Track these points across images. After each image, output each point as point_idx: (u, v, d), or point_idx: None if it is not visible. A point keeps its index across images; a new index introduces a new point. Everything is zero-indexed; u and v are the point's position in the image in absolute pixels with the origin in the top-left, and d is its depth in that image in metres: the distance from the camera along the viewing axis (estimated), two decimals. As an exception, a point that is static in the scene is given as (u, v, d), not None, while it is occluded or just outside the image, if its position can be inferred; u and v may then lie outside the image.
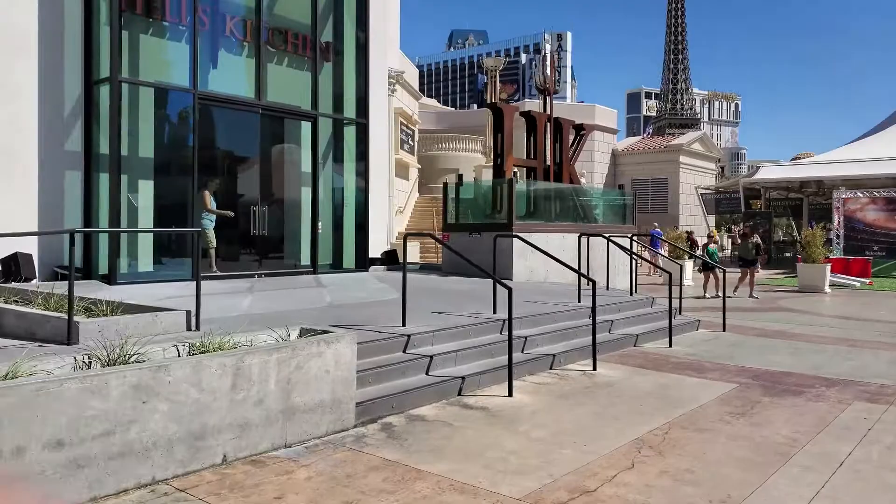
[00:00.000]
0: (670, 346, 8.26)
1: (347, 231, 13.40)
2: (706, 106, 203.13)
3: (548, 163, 15.13)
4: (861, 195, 22.39)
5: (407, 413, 5.25)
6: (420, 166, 29.90)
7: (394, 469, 4.13)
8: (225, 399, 4.24)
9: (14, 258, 9.81)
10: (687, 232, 31.21)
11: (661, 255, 16.73)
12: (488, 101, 29.30)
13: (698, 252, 23.14)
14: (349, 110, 13.36)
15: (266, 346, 4.52)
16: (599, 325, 8.24)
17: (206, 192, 11.14)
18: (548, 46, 15.04)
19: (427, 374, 5.84)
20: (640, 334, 8.46)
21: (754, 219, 25.13)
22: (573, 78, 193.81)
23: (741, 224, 24.43)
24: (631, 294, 10.28)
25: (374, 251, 14.26)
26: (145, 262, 10.87)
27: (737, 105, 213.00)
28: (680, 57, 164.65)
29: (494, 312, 7.44)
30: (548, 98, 15.18)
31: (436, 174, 30.25)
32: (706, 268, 14.98)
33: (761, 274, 22.89)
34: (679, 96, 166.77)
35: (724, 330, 9.69)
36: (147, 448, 3.84)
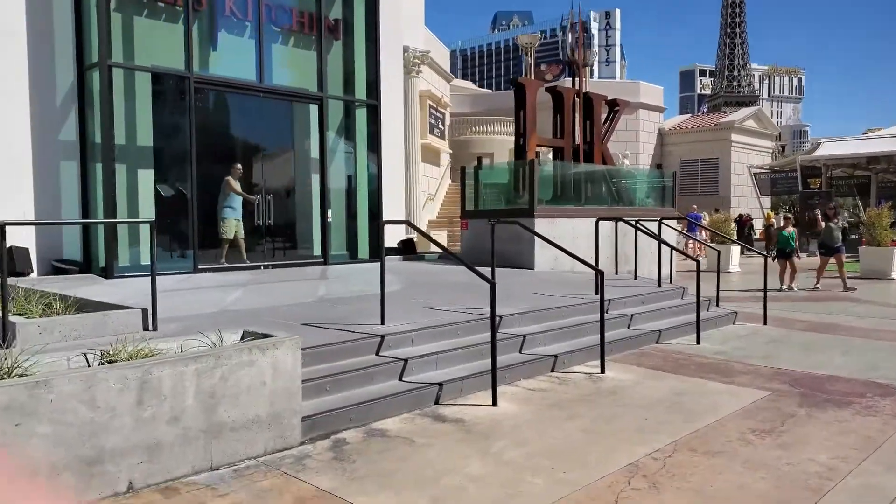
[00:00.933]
0: (698, 342, 7.29)
1: (361, 220, 12.75)
2: (766, 82, 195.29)
3: (577, 142, 14.12)
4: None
5: (368, 427, 4.52)
6: (452, 151, 29.06)
7: (322, 502, 3.41)
8: (128, 417, 3.59)
9: (9, 252, 9.49)
10: (739, 215, 29.68)
11: (697, 240, 15.55)
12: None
13: (757, 235, 21.78)
14: (360, 92, 12.65)
15: (180, 356, 3.85)
16: (618, 320, 7.37)
17: (230, 179, 10.71)
18: (575, 15, 13.95)
19: (400, 379, 5.11)
20: (664, 330, 7.52)
21: (813, 199, 23.39)
22: (623, 57, 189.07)
23: (823, 205, 22.62)
24: (659, 284, 9.29)
25: (391, 240, 13.57)
26: (146, 254, 10.44)
27: (800, 80, 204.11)
28: (738, 31, 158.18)
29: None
30: (577, 71, 14.14)
31: (470, 159, 29.30)
32: (783, 255, 13.22)
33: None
34: (736, 72, 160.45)
35: (765, 323, 8.63)
36: (15, 481, 3.21)
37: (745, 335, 7.89)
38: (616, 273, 11.05)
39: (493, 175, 13.53)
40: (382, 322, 5.73)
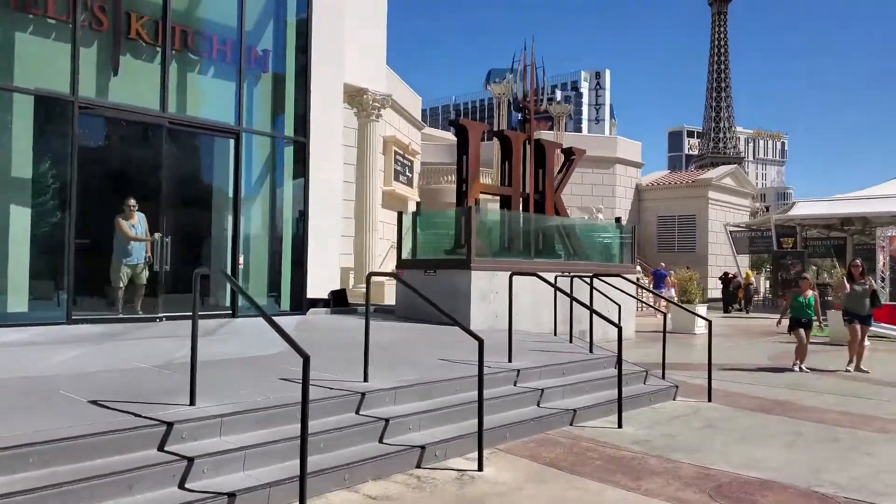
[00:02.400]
0: (619, 425, 6.06)
1: (284, 267, 11.58)
2: (751, 144, 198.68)
3: (527, 191, 13.12)
4: (909, 233, 19.67)
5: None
6: (421, 200, 28.09)
7: None
8: None
9: None
10: (725, 273, 28.65)
11: (663, 297, 14.46)
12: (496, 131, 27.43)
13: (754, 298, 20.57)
14: (288, 128, 11.65)
15: None
16: (525, 395, 6.17)
17: (120, 220, 9.51)
18: (526, 55, 13.13)
19: (181, 487, 3.84)
20: (582, 409, 6.29)
21: (785, 258, 22.48)
22: (612, 116, 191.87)
23: (850, 260, 21.61)
24: (591, 350, 8.09)
25: (322, 290, 12.37)
26: (19, 301, 9.17)
27: (783, 143, 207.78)
28: (723, 95, 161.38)
29: (366, 381, 5.42)
30: (528, 117, 13.23)
31: (442, 208, 28.42)
32: (798, 325, 10.61)
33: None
34: (722, 134, 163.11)
35: (709, 399, 7.43)
36: None
37: (680, 416, 6.67)
38: (555, 334, 9.88)
39: (434, 222, 12.44)
40: (192, 402, 4.46)
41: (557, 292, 9.55)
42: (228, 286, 10.87)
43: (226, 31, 10.96)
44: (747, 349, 12.92)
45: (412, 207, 27.11)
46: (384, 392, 5.27)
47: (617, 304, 10.74)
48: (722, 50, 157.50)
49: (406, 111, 25.69)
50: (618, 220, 14.48)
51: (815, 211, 24.72)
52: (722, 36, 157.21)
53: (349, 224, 20.49)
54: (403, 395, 5.41)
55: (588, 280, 10.06)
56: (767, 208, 70.03)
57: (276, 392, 4.92)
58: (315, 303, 11.91)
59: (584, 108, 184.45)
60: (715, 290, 33.88)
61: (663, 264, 25.88)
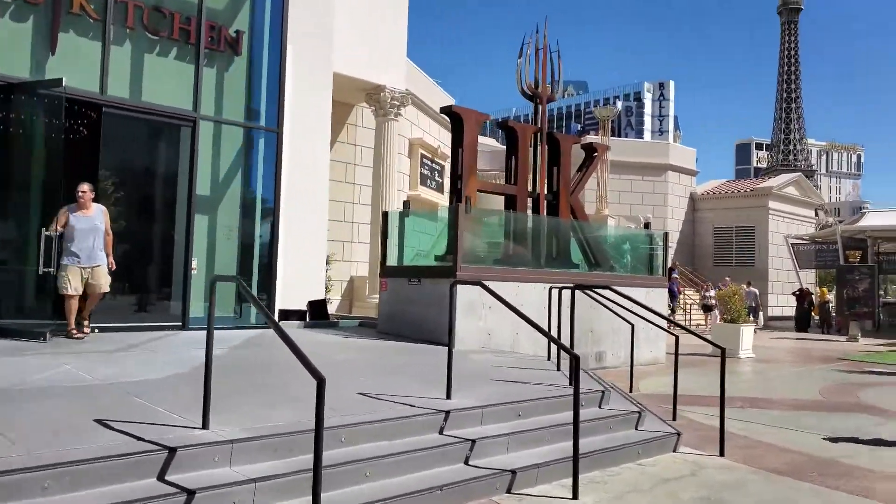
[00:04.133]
0: (574, 496, 4.38)
1: (248, 273, 10.29)
2: (824, 157, 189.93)
3: (538, 190, 11.47)
4: None
5: None
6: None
7: None
8: None
9: None
10: (800, 289, 25.81)
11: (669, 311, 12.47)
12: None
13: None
14: (259, 117, 10.40)
15: None
16: (453, 447, 4.58)
17: (61, 211, 8.00)
18: (538, 38, 11.52)
19: None
20: (528, 468, 4.62)
21: (853, 274, 19.94)
22: (677, 128, 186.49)
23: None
24: (571, 382, 6.37)
25: (302, 299, 11.03)
26: None
27: (859, 156, 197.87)
28: (793, 106, 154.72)
29: (205, 426, 3.97)
30: (539, 106, 11.59)
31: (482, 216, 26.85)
32: None
33: (860, 344, 17.79)
34: (792, 146, 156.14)
35: (720, 453, 5.63)
36: None
37: (672, 480, 4.92)
38: (549, 358, 8.19)
39: (425, 223, 10.94)
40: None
41: (569, 306, 7.97)
42: (180, 294, 9.62)
43: (190, 9, 9.80)
44: (797, 379, 10.88)
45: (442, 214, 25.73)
46: (220, 445, 3.79)
47: (630, 323, 9.04)
48: (792, 60, 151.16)
49: (432, 109, 24.28)
50: (647, 225, 12.64)
51: (890, 221, 22.00)
52: (792, 46, 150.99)
53: (364, 230, 19.22)
54: (246, 449, 3.91)
55: (598, 294, 8.42)
56: (841, 223, 65.76)
57: (98, 439, 3.51)
58: (289, 315, 10.57)
59: (647, 120, 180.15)
60: (778, 307, 31.12)
61: (728, 278, 23.71)
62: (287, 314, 10.52)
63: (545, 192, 11.62)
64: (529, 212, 11.50)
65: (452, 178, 10.45)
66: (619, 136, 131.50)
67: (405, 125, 20.60)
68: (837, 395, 9.19)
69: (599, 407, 5.94)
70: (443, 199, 25.33)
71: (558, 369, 7.20)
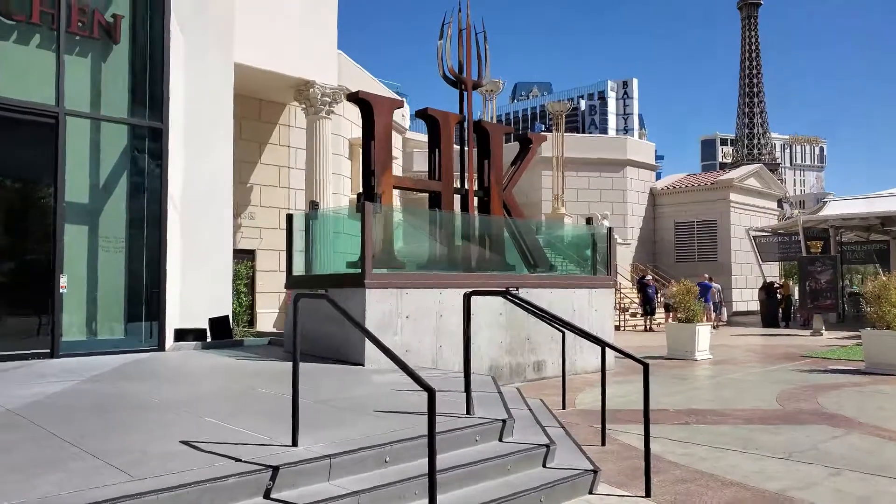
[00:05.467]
0: (432, 578, 3.27)
1: (135, 290, 9.05)
2: (787, 151, 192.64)
3: (466, 186, 10.39)
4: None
5: None
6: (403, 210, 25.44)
7: None
8: None
9: None
10: (771, 282, 24.97)
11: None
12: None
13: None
14: (140, 112, 9.18)
15: None
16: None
17: None
18: (461, 17, 10.45)
19: None
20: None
21: (814, 264, 19.19)
22: (642, 126, 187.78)
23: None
24: (468, 410, 5.22)
25: (202, 316, 9.80)
26: None
27: (822, 148, 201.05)
28: (756, 100, 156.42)
29: None
30: (465, 93, 10.52)
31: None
32: None
33: (824, 338, 17.01)
34: (756, 140, 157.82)
35: (647, 493, 4.56)
36: None
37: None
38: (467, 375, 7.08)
39: (336, 226, 9.77)
40: None
41: (465, 313, 6.85)
42: (51, 317, 8.34)
43: (53, -12, 8.56)
44: (754, 383, 9.93)
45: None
46: None
47: (560, 330, 7.99)
48: (753, 54, 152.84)
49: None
50: (588, 220, 11.63)
51: (851, 210, 21.36)
52: (753, 40, 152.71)
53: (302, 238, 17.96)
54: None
55: (518, 301, 7.33)
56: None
57: None
58: (184, 334, 9.34)
59: (612, 118, 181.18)
60: (742, 301, 30.46)
61: (707, 275, 23.01)
62: (182, 334, 9.28)
63: (474, 187, 10.56)
64: (458, 209, 10.44)
65: (364, 174, 9.29)
66: (584, 132, 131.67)
67: (344, 125, 19.44)
68: (796, 401, 8.22)
69: (500, 440, 4.84)
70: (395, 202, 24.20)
71: (467, 399, 6.07)
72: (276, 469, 3.62)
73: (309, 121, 17.03)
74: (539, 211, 28.21)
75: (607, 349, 5.95)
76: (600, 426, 6.09)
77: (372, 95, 9.32)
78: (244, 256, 16.46)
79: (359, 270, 8.20)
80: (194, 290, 9.87)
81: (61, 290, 8.16)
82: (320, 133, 17.04)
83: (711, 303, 21.46)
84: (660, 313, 22.91)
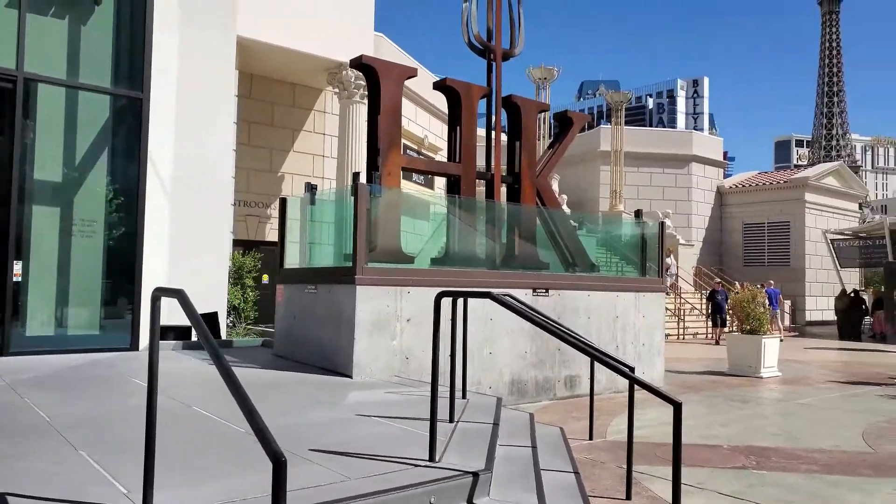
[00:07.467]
0: None
1: (110, 281, 8.07)
2: (868, 153, 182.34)
3: (492, 170, 9.01)
4: None
5: None
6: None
7: None
8: None
9: None
10: (854, 290, 22.50)
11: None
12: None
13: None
14: (119, 79, 8.19)
15: None
16: None
17: None
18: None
19: None
20: None
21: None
22: (712, 126, 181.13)
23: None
24: (432, 456, 3.84)
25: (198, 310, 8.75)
26: None
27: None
28: (835, 100, 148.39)
29: None
30: (493, 63, 9.12)
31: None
32: None
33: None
34: (834, 142, 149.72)
35: None
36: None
37: None
38: (464, 396, 5.71)
39: (336, 213, 8.53)
40: None
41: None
42: (0, 310, 7.42)
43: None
44: (832, 411, 8.20)
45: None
46: None
47: (578, 346, 6.52)
48: (833, 51, 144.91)
49: (426, 101, 21.91)
50: (637, 213, 10.06)
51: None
52: (834, 37, 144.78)
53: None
54: None
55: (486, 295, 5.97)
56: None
57: None
58: (165, 333, 8.30)
59: (680, 118, 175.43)
60: (817, 310, 27.81)
61: (772, 281, 20.96)
62: (162, 332, 8.23)
63: (502, 172, 9.17)
64: (483, 197, 9.09)
65: (369, 153, 8.02)
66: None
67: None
68: (891, 441, 6.52)
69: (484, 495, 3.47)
70: (430, 195, 22.96)
71: (452, 420, 4.72)
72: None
73: (342, 105, 15.96)
74: (596, 207, 26.51)
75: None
76: (636, 467, 4.65)
77: (378, 61, 8.04)
78: (271, 249, 15.54)
79: (349, 264, 6.96)
80: (184, 282, 8.73)
81: (15, 279, 7.21)
82: (354, 118, 15.93)
83: (778, 310, 19.52)
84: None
